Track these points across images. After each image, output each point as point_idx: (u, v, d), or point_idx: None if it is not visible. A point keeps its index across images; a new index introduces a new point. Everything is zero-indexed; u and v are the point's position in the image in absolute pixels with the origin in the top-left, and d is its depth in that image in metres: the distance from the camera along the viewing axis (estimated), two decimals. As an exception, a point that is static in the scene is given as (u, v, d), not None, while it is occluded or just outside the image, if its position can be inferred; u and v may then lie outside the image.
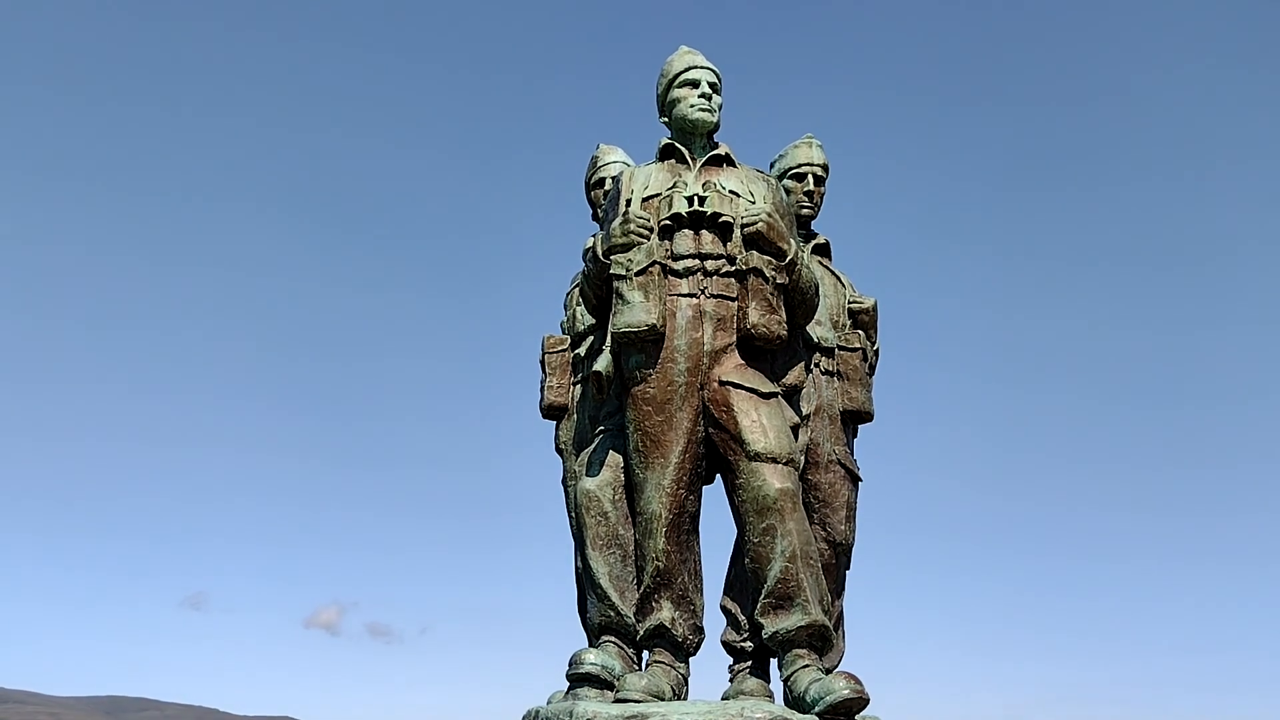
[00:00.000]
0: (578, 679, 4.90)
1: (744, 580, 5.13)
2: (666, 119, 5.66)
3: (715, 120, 5.53)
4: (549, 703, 5.17)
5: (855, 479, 5.79)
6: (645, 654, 5.12)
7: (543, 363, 6.14)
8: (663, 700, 4.70)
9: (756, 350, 5.16)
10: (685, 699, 4.89)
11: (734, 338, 5.11)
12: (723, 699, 4.90)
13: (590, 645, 5.21)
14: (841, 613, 5.73)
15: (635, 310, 5.03)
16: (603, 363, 5.22)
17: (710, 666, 5.57)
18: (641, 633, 5.03)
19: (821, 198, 6.20)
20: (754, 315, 5.04)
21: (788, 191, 5.99)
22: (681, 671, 5.00)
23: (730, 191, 5.27)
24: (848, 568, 5.81)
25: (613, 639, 5.10)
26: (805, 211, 6.11)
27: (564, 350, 6.10)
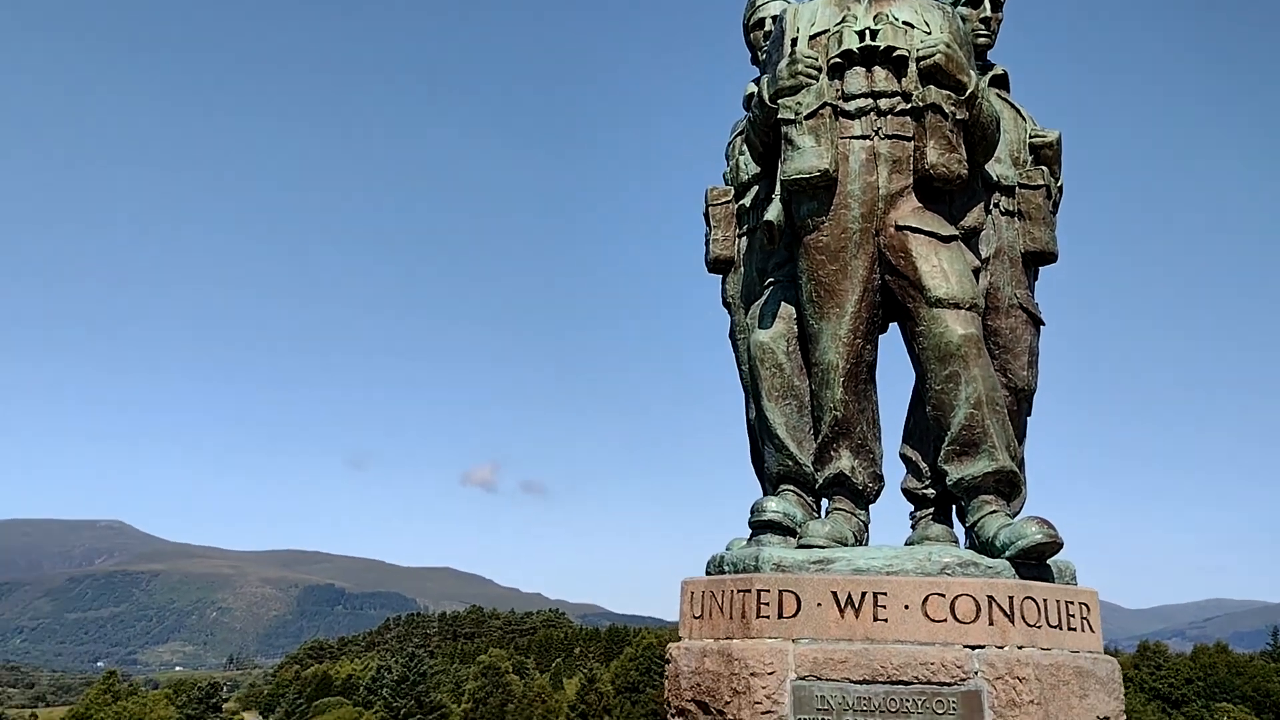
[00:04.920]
0: (760, 526, 4.97)
1: (924, 428, 5.06)
2: None
3: None
4: (728, 549, 5.26)
5: (1037, 323, 5.58)
6: (824, 502, 5.14)
7: (707, 216, 6.05)
8: (846, 546, 4.74)
9: (934, 192, 4.95)
10: (866, 545, 4.92)
11: (911, 180, 4.90)
12: (906, 545, 4.91)
13: (768, 494, 5.25)
14: (1022, 460, 5.61)
15: (806, 156, 4.87)
16: (773, 212, 5.09)
17: (890, 515, 5.60)
18: (821, 481, 5.04)
19: (999, 24, 5.81)
20: (932, 155, 4.82)
21: (963, 19, 5.61)
22: (862, 518, 5.01)
23: (904, 23, 4.98)
24: (1029, 414, 5.66)
25: (792, 488, 5.13)
26: (982, 40, 5.75)
27: (728, 202, 5.98)
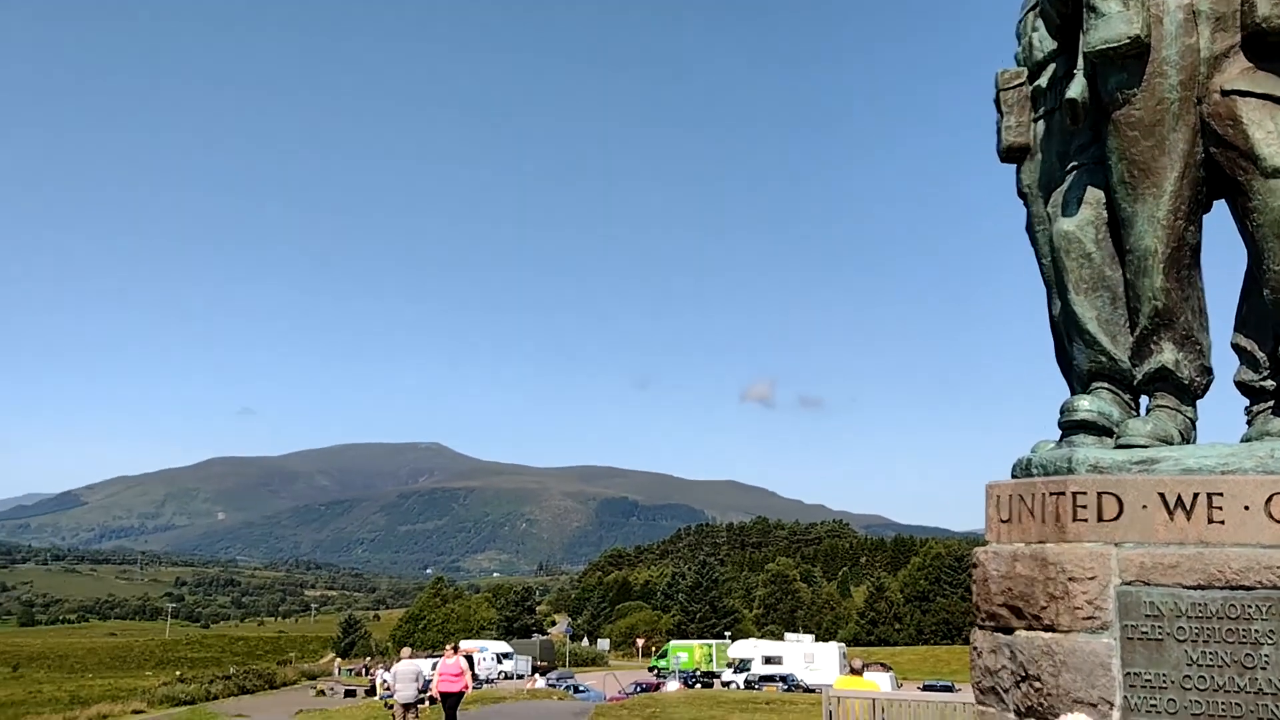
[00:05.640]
0: (1072, 426, 4.71)
1: (1260, 314, 4.57)
2: None
3: None
4: (1034, 452, 5.03)
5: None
6: (1144, 400, 4.79)
7: (998, 102, 5.67)
8: (1171, 445, 4.41)
9: (1267, 49, 4.39)
10: (1194, 444, 4.55)
11: (1238, 38, 4.38)
12: (1243, 442, 4.50)
13: (1078, 393, 4.96)
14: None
15: (1113, 22, 4.44)
16: (1077, 88, 4.70)
17: (1220, 412, 5.16)
18: (1140, 377, 4.70)
19: None
20: (1264, 7, 4.27)
21: None
22: (1189, 415, 4.63)
23: None
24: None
25: (1105, 385, 4.81)
26: None
27: (1021, 84, 5.57)
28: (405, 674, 16.59)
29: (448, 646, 18.47)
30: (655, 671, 70.80)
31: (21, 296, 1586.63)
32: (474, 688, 41.75)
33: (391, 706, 24.55)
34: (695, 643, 77.58)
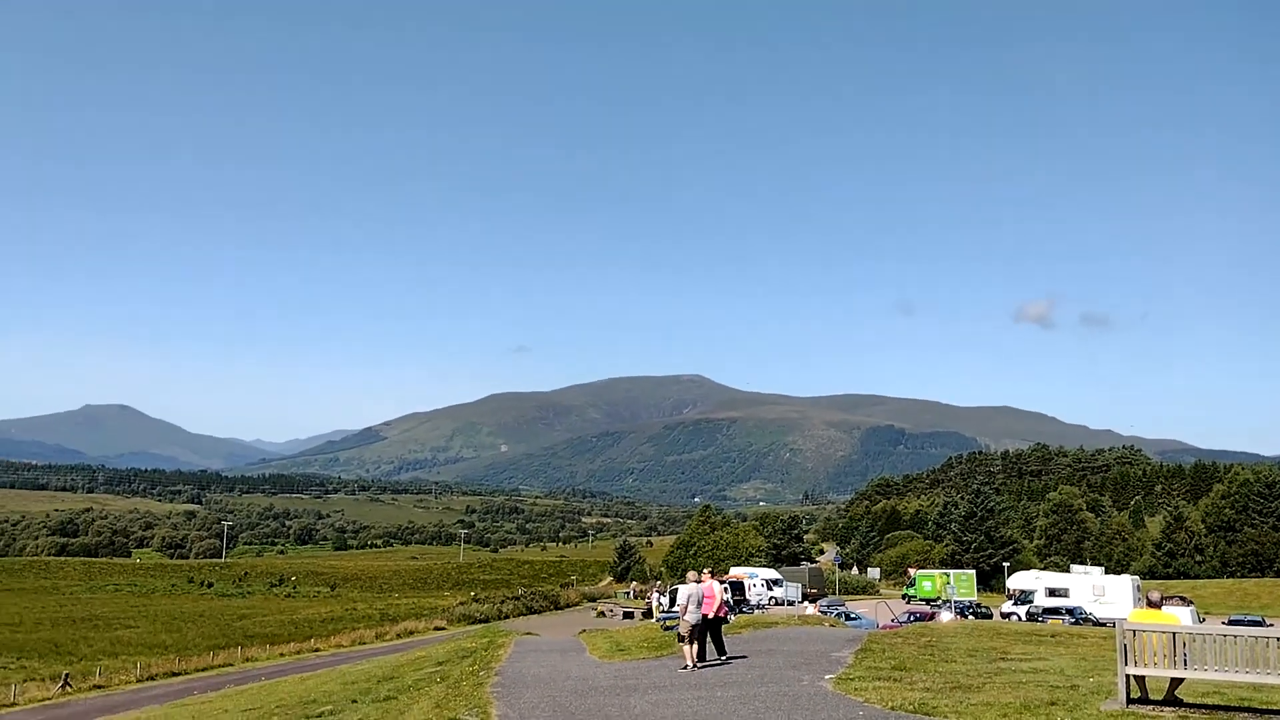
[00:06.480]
0: None
1: None
2: None
3: None
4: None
5: None
6: None
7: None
8: None
9: None
10: None
11: None
12: None
13: None
14: None
15: None
16: None
17: None
18: None
19: None
20: None
21: None
22: None
23: None
24: None
25: None
26: None
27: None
28: (696, 596, 16.97)
29: (705, 571, 18.57)
30: (906, 599, 69.83)
31: (324, 254, 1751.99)
32: (745, 612, 42.55)
33: (670, 628, 25.42)
34: (935, 571, 76.54)
